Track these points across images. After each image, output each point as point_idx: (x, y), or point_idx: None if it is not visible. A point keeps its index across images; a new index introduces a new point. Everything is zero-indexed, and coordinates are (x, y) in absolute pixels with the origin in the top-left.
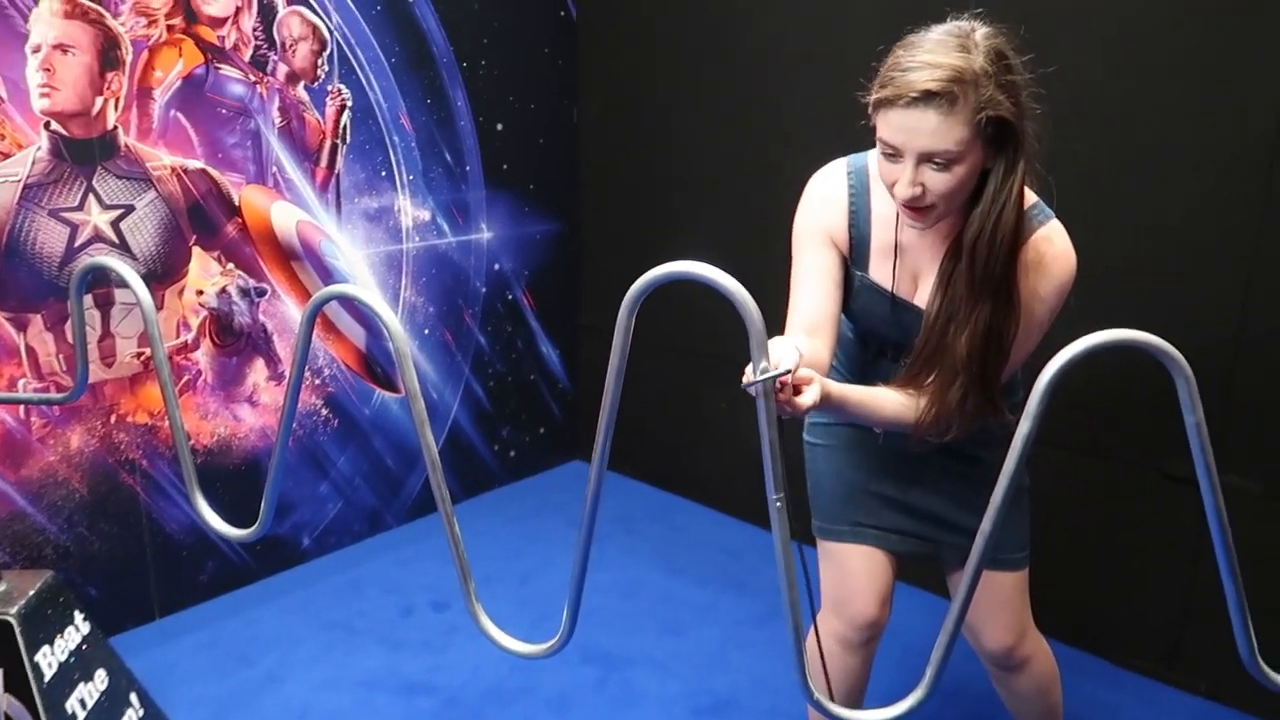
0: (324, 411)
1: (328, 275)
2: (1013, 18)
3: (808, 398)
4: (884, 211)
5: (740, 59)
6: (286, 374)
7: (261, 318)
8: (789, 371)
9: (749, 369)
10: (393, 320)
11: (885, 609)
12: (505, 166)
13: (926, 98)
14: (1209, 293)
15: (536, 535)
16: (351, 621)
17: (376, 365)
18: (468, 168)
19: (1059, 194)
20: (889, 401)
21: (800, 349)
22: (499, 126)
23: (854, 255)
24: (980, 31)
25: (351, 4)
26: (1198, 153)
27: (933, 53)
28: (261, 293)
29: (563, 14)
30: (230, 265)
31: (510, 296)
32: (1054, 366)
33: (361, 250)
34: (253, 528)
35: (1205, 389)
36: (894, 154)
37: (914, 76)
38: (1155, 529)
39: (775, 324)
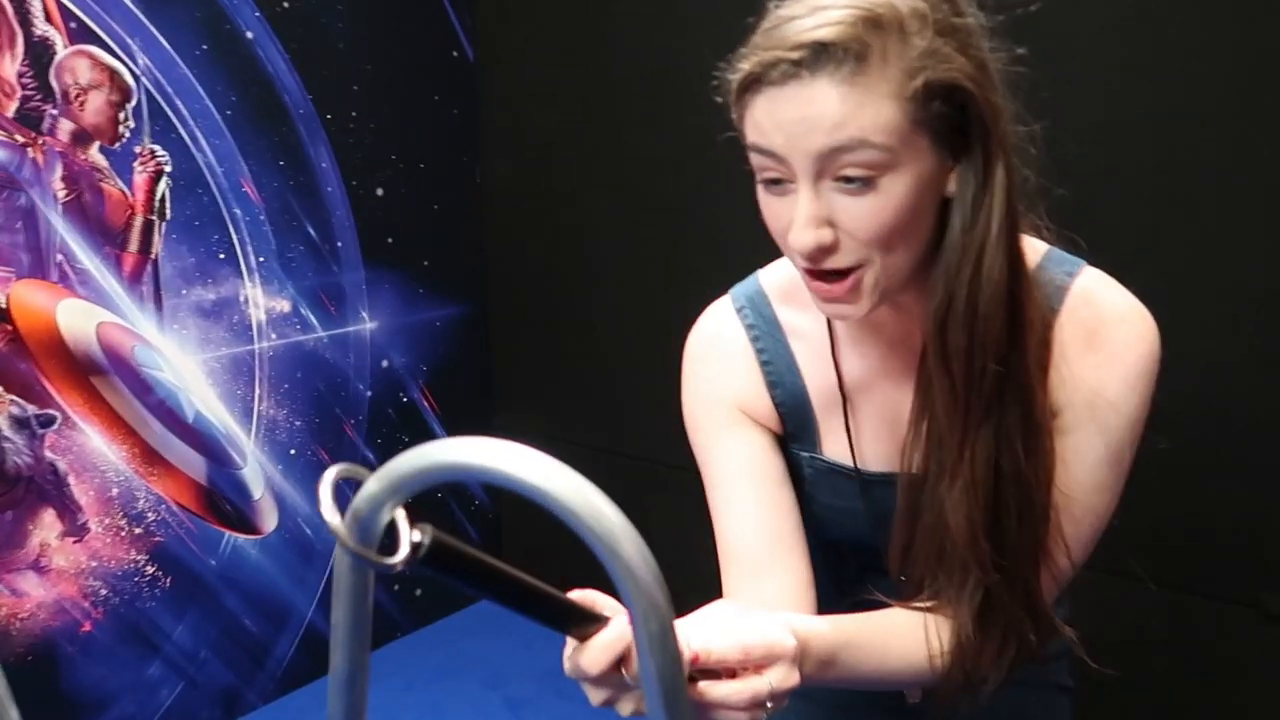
0: (149, 570)
1: (147, 390)
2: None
3: (778, 677)
4: (814, 340)
5: (676, 97)
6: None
7: (49, 455)
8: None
9: (568, 648)
10: None
11: None
12: (390, 240)
13: (816, 55)
14: None
15: (444, 708)
16: None
17: (224, 501)
18: (339, 243)
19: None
20: (898, 636)
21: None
22: (379, 191)
23: (791, 428)
24: None
25: (165, 42)
26: None
27: None
28: (47, 422)
29: (455, 54)
30: None
31: (405, 399)
32: None
33: (196, 355)
34: None
35: None
36: (776, 175)
37: (797, 25)
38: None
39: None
